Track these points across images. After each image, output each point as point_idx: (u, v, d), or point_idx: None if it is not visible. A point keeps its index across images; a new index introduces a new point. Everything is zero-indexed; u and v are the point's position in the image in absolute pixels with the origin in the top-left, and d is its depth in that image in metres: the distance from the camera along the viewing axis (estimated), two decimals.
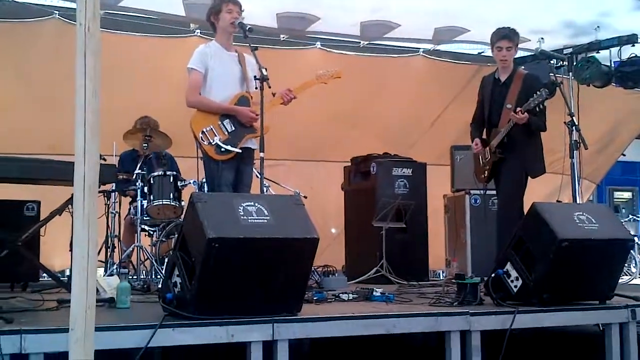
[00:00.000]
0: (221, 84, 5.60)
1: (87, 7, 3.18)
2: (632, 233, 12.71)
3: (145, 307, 4.68)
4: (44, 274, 6.55)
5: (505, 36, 6.03)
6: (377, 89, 9.31)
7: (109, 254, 6.59)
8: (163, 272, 5.46)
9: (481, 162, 6.17)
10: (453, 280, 5.09)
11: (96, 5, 3.22)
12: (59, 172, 4.80)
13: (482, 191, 7.52)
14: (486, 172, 6.12)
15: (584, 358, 5.16)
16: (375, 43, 9.08)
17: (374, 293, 5.08)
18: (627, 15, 8.32)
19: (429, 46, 9.33)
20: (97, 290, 4.64)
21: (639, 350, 4.70)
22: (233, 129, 5.48)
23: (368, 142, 8.96)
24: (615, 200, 19.17)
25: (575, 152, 6.27)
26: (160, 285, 4.75)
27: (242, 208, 3.97)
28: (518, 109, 5.79)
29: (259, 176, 5.41)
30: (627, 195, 19.61)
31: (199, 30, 8.12)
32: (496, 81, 6.14)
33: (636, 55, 8.50)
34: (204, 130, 5.42)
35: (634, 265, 11.23)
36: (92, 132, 3.09)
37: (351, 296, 5.09)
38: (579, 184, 7.88)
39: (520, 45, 8.89)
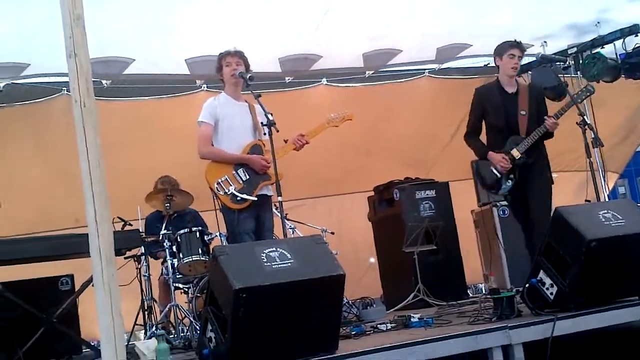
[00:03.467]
0: (233, 134, 5.68)
1: (79, 84, 3.25)
2: None
3: None
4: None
5: (519, 45, 6.17)
6: (388, 116, 9.33)
7: (146, 316, 6.62)
8: None
9: (498, 174, 6.08)
10: (489, 296, 5.04)
11: (88, 80, 3.29)
12: (85, 246, 4.84)
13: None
14: (509, 180, 6.03)
15: (635, 353, 5.04)
16: (380, 71, 9.11)
17: (412, 319, 5.03)
18: (626, 7, 8.27)
19: (434, 66, 9.35)
20: (138, 355, 4.70)
21: None
22: (247, 177, 5.53)
23: (388, 168, 8.96)
24: None
25: (594, 149, 6.25)
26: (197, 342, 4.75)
27: (264, 255, 3.98)
28: (549, 116, 5.95)
29: (282, 220, 5.44)
30: None
31: (205, 85, 8.27)
32: (503, 91, 6.18)
33: None
34: (219, 180, 5.49)
35: None
36: (101, 202, 3.14)
37: (389, 326, 5.06)
38: (604, 180, 7.83)
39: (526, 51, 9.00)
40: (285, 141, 5.69)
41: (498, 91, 6.20)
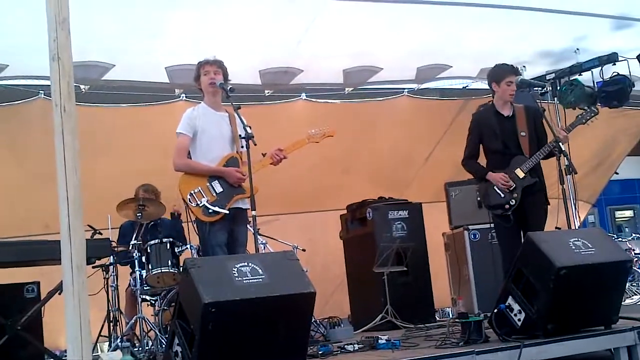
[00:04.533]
0: (211, 145, 5.62)
1: (61, 87, 3.22)
2: (638, 251, 12.69)
3: None
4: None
5: (516, 71, 6.30)
6: (366, 133, 9.35)
7: (111, 328, 6.54)
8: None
9: (502, 193, 6.08)
10: (457, 320, 5.05)
11: (70, 84, 3.26)
12: (54, 252, 4.78)
13: (481, 225, 7.53)
14: (513, 200, 6.03)
15: None
16: (360, 88, 9.13)
17: (380, 341, 5.04)
18: (604, 37, 8.37)
19: (413, 86, 9.39)
20: None
21: None
22: (222, 190, 5.48)
23: (362, 187, 8.99)
24: (617, 220, 19.09)
25: (567, 177, 6.30)
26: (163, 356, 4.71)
27: (236, 269, 3.96)
28: (562, 128, 6.13)
29: (254, 234, 5.42)
30: (628, 214, 19.48)
31: (184, 95, 8.22)
32: (499, 115, 6.26)
33: (618, 74, 8.53)
34: (192, 192, 5.43)
35: None
36: (75, 209, 3.10)
37: (357, 346, 5.05)
38: (575, 207, 7.89)
39: None
40: (264, 155, 5.66)
41: (494, 115, 6.27)
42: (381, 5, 7.18)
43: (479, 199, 6.34)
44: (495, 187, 6.12)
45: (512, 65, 6.31)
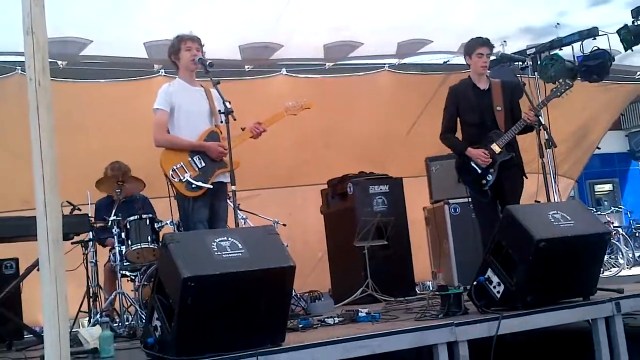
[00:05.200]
0: (190, 120, 5.59)
1: (35, 61, 3.18)
2: (616, 224, 12.83)
3: (129, 354, 4.65)
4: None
5: (486, 42, 6.25)
6: (347, 108, 9.34)
7: (91, 303, 6.53)
8: None
9: (479, 169, 6.11)
10: (437, 293, 5.08)
11: (45, 58, 3.22)
12: (32, 228, 4.75)
13: (461, 199, 7.57)
14: (490, 175, 6.07)
15: (576, 354, 5.13)
16: (341, 63, 9.11)
17: (360, 314, 5.04)
18: (584, 11, 8.39)
19: (394, 61, 9.39)
20: (81, 342, 4.63)
21: (627, 342, 4.71)
22: (203, 164, 5.47)
23: (343, 162, 8.98)
24: (596, 193, 19.28)
25: (547, 150, 6.33)
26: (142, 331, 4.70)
27: (215, 244, 3.94)
28: (530, 108, 6.03)
29: (234, 209, 5.41)
30: (607, 187, 19.68)
31: (163, 70, 8.16)
32: (475, 88, 6.27)
33: (598, 48, 8.55)
34: (174, 167, 5.41)
35: (620, 256, 11.28)
36: (51, 184, 3.08)
37: (337, 320, 5.06)
38: (555, 181, 7.95)
39: None
40: (243, 129, 5.65)
41: (471, 88, 6.29)
42: None
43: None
44: (472, 163, 6.14)
45: (484, 37, 6.29)
